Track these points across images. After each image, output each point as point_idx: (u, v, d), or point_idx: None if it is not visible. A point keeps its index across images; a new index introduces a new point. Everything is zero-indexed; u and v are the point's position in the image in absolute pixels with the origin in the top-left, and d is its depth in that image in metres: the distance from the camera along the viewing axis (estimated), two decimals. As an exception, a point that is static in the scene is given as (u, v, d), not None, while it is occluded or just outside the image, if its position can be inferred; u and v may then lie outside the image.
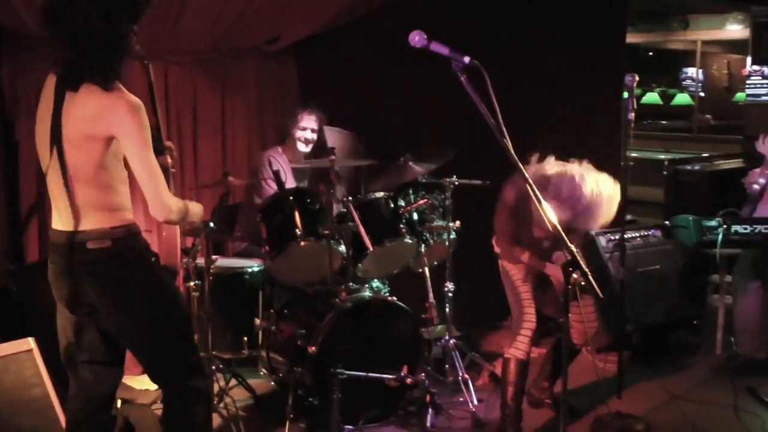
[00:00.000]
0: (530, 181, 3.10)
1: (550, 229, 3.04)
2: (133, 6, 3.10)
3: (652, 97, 13.89)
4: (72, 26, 2.98)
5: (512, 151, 3.24)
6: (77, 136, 3.02)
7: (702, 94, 15.06)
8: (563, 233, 3.05)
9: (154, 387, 4.98)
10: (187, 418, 3.36)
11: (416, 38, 3.29)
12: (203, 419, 3.42)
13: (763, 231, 4.64)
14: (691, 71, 15.75)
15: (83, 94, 3.01)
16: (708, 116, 15.05)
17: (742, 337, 5.48)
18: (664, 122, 14.83)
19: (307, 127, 5.35)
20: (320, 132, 5.40)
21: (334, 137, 5.51)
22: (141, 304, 3.19)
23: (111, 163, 3.09)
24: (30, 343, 3.98)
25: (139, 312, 3.20)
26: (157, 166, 3.10)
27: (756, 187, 5.36)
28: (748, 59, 11.65)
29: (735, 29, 13.29)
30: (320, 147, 5.38)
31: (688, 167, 8.76)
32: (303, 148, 5.36)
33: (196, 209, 3.41)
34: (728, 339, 5.68)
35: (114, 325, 3.24)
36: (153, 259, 3.27)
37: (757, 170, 5.38)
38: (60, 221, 3.15)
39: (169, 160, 3.56)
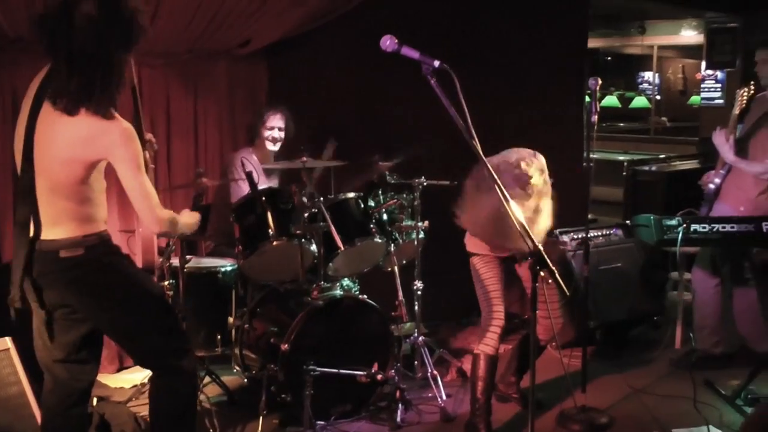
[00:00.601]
0: (498, 182, 3.11)
1: (518, 227, 3.05)
2: (129, 34, 3.08)
3: (611, 100, 14.03)
4: (69, 46, 2.96)
5: (481, 153, 3.25)
6: (66, 157, 3.01)
7: (658, 97, 15.25)
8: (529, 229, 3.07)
9: (129, 385, 4.98)
10: (172, 393, 3.41)
11: (387, 42, 3.29)
12: (187, 393, 3.48)
13: (721, 230, 4.68)
14: (648, 75, 15.95)
15: (77, 117, 2.99)
16: (664, 119, 15.23)
17: (701, 332, 5.52)
18: (622, 124, 14.98)
19: (274, 126, 5.32)
20: (287, 130, 5.37)
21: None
22: (118, 304, 3.24)
23: (93, 178, 3.11)
24: (7, 342, 3.97)
25: (117, 310, 3.25)
26: (150, 187, 3.16)
27: (711, 186, 5.43)
28: (703, 64, 11.81)
29: (690, 35, 13.46)
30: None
31: (646, 168, 8.86)
32: (271, 146, 5.34)
33: (188, 220, 3.44)
34: (687, 334, 5.75)
35: (95, 323, 3.29)
36: (125, 260, 3.33)
37: (713, 171, 5.46)
38: (29, 227, 3.14)
39: (148, 155, 3.54)
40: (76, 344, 3.29)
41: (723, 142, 5.25)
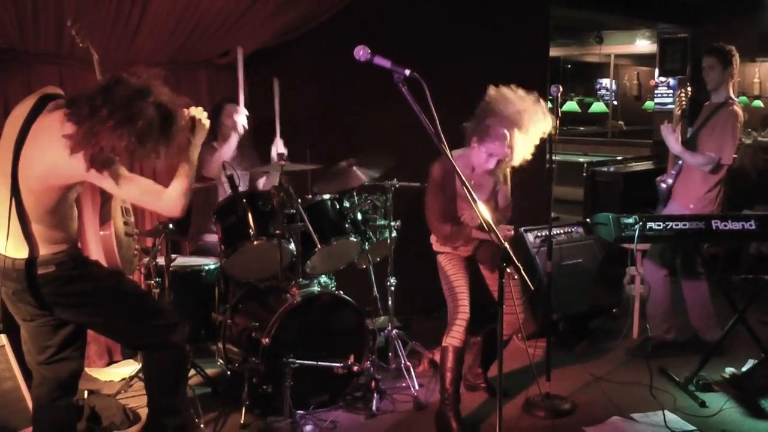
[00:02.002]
0: (465, 181, 3.13)
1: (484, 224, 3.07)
2: (167, 139, 3.17)
3: (571, 106, 14.10)
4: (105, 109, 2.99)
5: (450, 156, 3.26)
6: (39, 177, 3.08)
7: (615, 102, 15.36)
8: (494, 227, 3.09)
9: (118, 378, 4.94)
10: (162, 366, 3.54)
11: (360, 52, 3.29)
12: (176, 364, 3.59)
13: (675, 227, 4.72)
14: (605, 82, 16.06)
15: (55, 135, 3.03)
16: (621, 122, 15.36)
17: (653, 321, 5.62)
18: (582, 128, 15.08)
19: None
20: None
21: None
22: (96, 306, 3.37)
23: (63, 206, 3.20)
24: (2, 339, 3.99)
25: (97, 312, 3.38)
26: (141, 184, 3.20)
27: (663, 186, 5.49)
28: (656, 71, 11.91)
29: (644, 44, 13.58)
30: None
31: (604, 169, 8.92)
32: (235, 138, 5.27)
33: (187, 178, 3.35)
34: (643, 325, 5.80)
35: (83, 325, 3.43)
36: (94, 268, 3.42)
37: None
38: (3, 247, 3.20)
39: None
40: (58, 346, 3.37)
41: (669, 133, 5.36)
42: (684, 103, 5.41)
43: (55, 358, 3.36)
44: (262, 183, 5.53)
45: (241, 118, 5.19)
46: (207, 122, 3.50)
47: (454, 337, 4.33)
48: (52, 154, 3.02)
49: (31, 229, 3.15)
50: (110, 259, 3.84)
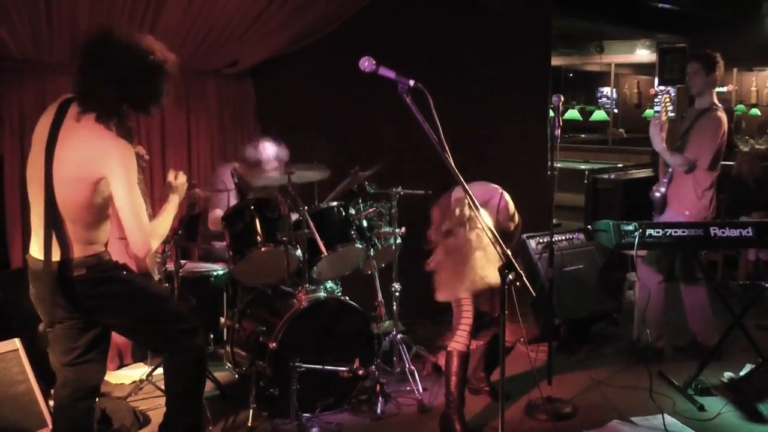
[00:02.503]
0: (469, 191, 3.14)
1: (488, 233, 3.08)
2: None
3: (573, 114, 14.09)
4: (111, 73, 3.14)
5: (453, 165, 3.27)
6: (70, 178, 3.12)
7: (616, 110, 15.34)
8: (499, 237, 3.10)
9: (128, 381, 4.96)
10: (181, 369, 3.56)
11: (366, 63, 3.30)
12: (195, 366, 3.61)
13: (674, 234, 4.72)
14: (606, 90, 16.05)
15: (80, 135, 3.12)
16: (621, 130, 15.34)
17: (647, 327, 5.50)
18: (583, 135, 15.06)
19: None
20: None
21: (271, 150, 5.38)
22: (125, 308, 3.37)
23: (98, 203, 3.20)
24: (16, 343, 4.00)
25: (125, 314, 3.39)
26: (141, 206, 3.22)
27: (657, 195, 5.46)
28: (655, 80, 11.93)
29: (644, 54, 13.59)
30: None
31: (605, 176, 8.92)
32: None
33: (163, 231, 3.47)
34: (643, 330, 5.78)
35: (110, 327, 3.45)
36: (124, 271, 3.40)
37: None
38: (38, 249, 3.22)
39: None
40: (83, 348, 3.36)
41: (657, 131, 5.31)
42: (669, 107, 5.40)
43: (80, 360, 3.36)
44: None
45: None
46: (185, 186, 3.72)
47: (458, 342, 4.34)
48: (81, 152, 3.10)
49: (65, 231, 3.17)
50: (140, 264, 3.85)
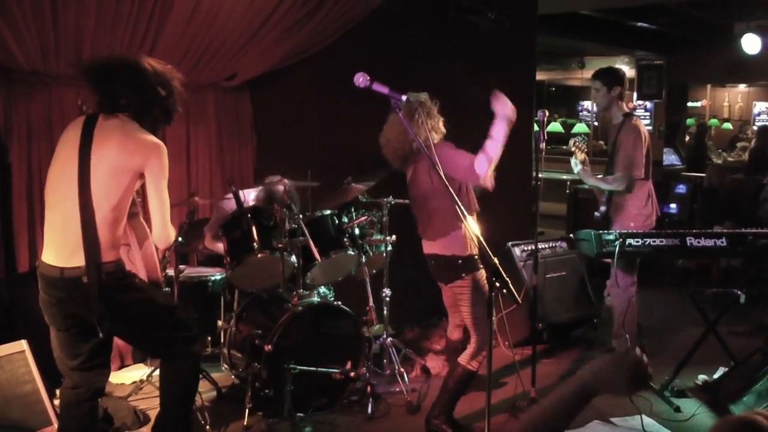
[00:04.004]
0: (457, 201, 3.14)
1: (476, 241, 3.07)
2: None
3: (555, 126, 14.13)
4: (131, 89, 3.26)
5: (442, 175, 3.27)
6: (110, 170, 3.16)
7: (596, 123, 15.39)
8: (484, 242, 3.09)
9: (129, 381, 4.93)
10: (181, 373, 3.55)
11: (360, 79, 3.30)
12: (191, 374, 3.62)
13: (652, 243, 4.74)
14: (586, 104, 16.08)
15: (118, 136, 3.19)
16: (601, 142, 15.35)
17: (619, 339, 5.30)
18: (565, 147, 15.04)
19: None
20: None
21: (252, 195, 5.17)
22: (134, 317, 3.36)
23: (126, 200, 3.25)
24: (23, 345, 3.98)
25: (135, 322, 3.38)
26: (168, 202, 3.33)
27: (597, 214, 5.36)
28: (634, 95, 11.97)
29: (623, 70, 13.61)
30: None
31: (586, 186, 8.89)
32: None
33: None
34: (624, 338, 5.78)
35: (116, 333, 3.42)
36: (136, 280, 3.41)
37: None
38: (54, 257, 3.20)
39: None
40: (88, 354, 3.36)
41: (588, 175, 5.27)
42: (583, 148, 5.28)
43: (86, 365, 3.36)
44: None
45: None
46: None
47: (478, 362, 4.17)
48: (122, 144, 3.17)
49: (93, 234, 3.15)
50: (153, 273, 3.84)
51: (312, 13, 5.29)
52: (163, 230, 3.33)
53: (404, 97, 3.44)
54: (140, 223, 3.63)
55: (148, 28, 4.69)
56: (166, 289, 4.61)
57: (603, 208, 5.34)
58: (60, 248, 3.19)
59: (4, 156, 4.66)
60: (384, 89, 3.34)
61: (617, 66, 13.23)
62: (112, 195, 3.18)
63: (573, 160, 5.27)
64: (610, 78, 5.26)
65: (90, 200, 3.14)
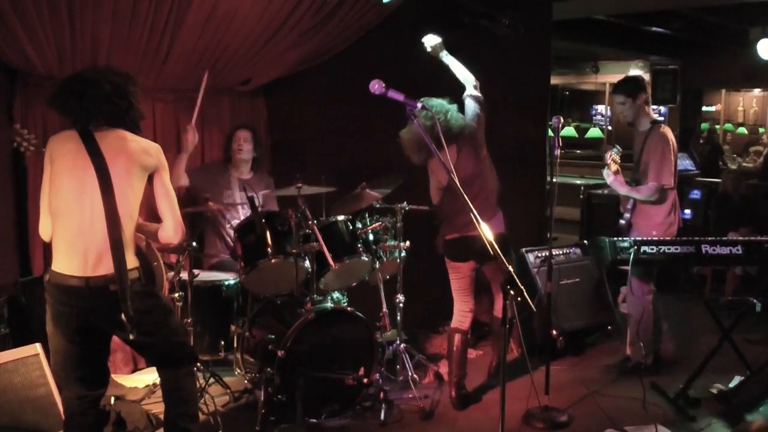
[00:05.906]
0: (470, 205, 3.12)
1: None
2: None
3: (569, 131, 14.07)
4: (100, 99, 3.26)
5: (457, 181, 3.25)
6: (128, 170, 3.22)
7: (610, 128, 15.32)
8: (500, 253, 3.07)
9: (142, 385, 4.93)
10: (188, 376, 3.58)
11: (375, 86, 3.29)
12: (194, 374, 3.69)
13: (667, 251, 4.69)
14: (600, 108, 16.03)
15: (126, 144, 3.26)
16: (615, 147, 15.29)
17: (634, 345, 5.34)
18: (578, 152, 15.02)
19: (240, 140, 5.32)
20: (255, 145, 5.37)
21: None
22: (151, 324, 3.36)
23: (139, 203, 3.31)
24: (37, 348, 4.00)
25: (152, 330, 3.37)
26: (176, 197, 3.41)
27: (622, 222, 5.31)
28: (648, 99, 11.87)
29: (637, 74, 13.54)
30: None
31: (600, 191, 8.87)
32: (242, 156, 5.32)
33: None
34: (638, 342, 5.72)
35: (129, 341, 3.37)
36: (153, 288, 3.45)
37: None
38: (76, 267, 3.18)
39: None
40: (92, 365, 3.39)
41: (620, 184, 5.17)
42: (617, 159, 5.19)
43: (90, 376, 3.38)
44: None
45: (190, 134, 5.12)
46: None
47: (461, 321, 4.73)
48: (133, 158, 3.24)
49: (120, 242, 3.16)
50: (159, 279, 3.85)
51: (327, 18, 5.28)
52: (177, 224, 3.37)
53: (419, 104, 3.42)
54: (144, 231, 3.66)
55: (163, 34, 4.68)
56: (180, 293, 4.62)
57: (627, 216, 5.30)
58: (81, 257, 3.17)
59: (19, 160, 4.67)
60: (399, 96, 3.34)
61: (632, 71, 13.26)
62: (132, 201, 3.22)
63: (606, 171, 5.20)
64: (631, 88, 5.20)
65: (116, 208, 3.15)
